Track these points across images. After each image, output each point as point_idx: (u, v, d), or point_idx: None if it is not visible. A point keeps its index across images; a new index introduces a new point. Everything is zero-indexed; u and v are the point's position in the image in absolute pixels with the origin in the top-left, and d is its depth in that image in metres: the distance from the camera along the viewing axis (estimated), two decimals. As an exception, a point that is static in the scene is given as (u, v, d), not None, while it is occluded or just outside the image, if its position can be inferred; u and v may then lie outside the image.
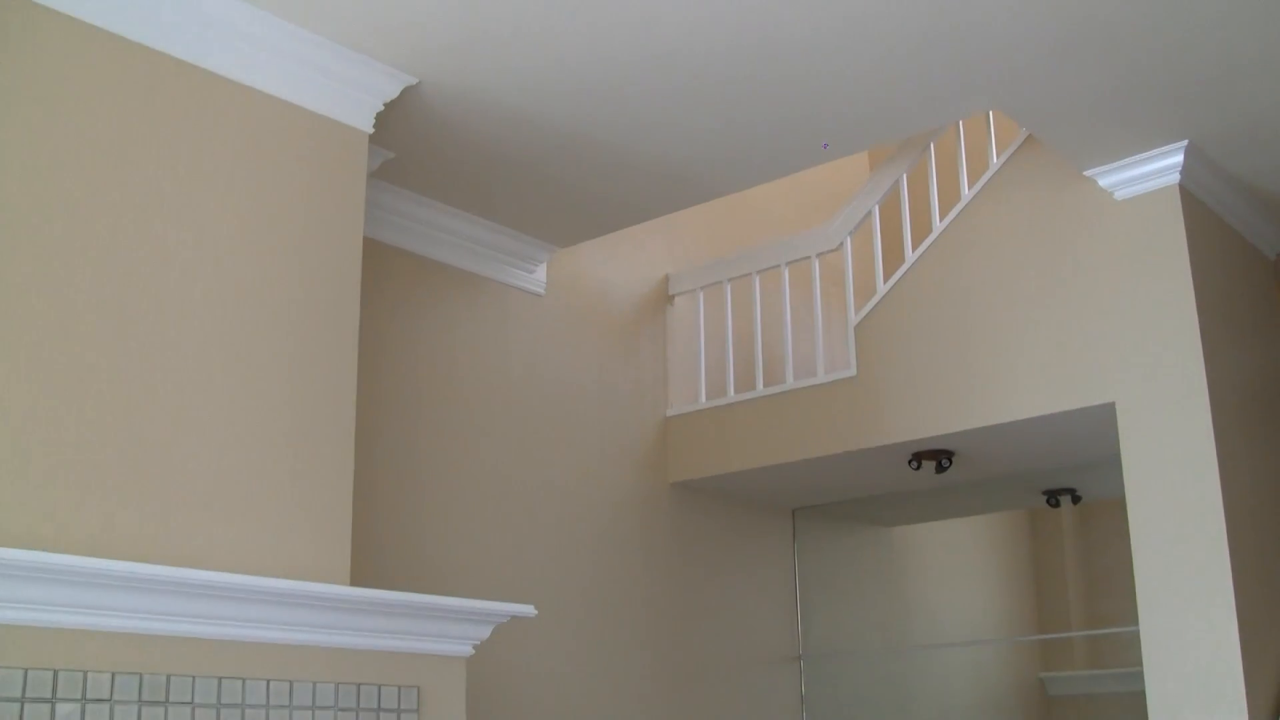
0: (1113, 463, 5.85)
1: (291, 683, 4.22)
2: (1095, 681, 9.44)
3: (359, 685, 4.41)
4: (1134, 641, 5.66)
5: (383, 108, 5.01)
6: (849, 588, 8.42)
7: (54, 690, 3.63)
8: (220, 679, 4.02)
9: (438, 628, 4.66)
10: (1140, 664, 5.53)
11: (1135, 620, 5.60)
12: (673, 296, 7.48)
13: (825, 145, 6.46)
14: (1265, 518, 5.92)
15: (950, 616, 9.19)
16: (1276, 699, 5.53)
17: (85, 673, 3.70)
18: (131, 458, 4.07)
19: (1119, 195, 5.87)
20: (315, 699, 4.27)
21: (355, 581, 4.74)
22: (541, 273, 6.69)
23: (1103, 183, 5.89)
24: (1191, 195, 5.83)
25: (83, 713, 3.67)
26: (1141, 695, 5.51)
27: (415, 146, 5.52)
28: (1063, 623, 9.82)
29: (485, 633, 4.83)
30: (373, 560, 5.40)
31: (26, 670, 3.58)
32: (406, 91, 5.04)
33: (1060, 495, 7.99)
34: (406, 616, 4.55)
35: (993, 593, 9.69)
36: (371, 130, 5.01)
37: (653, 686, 6.85)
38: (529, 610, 4.95)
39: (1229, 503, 5.43)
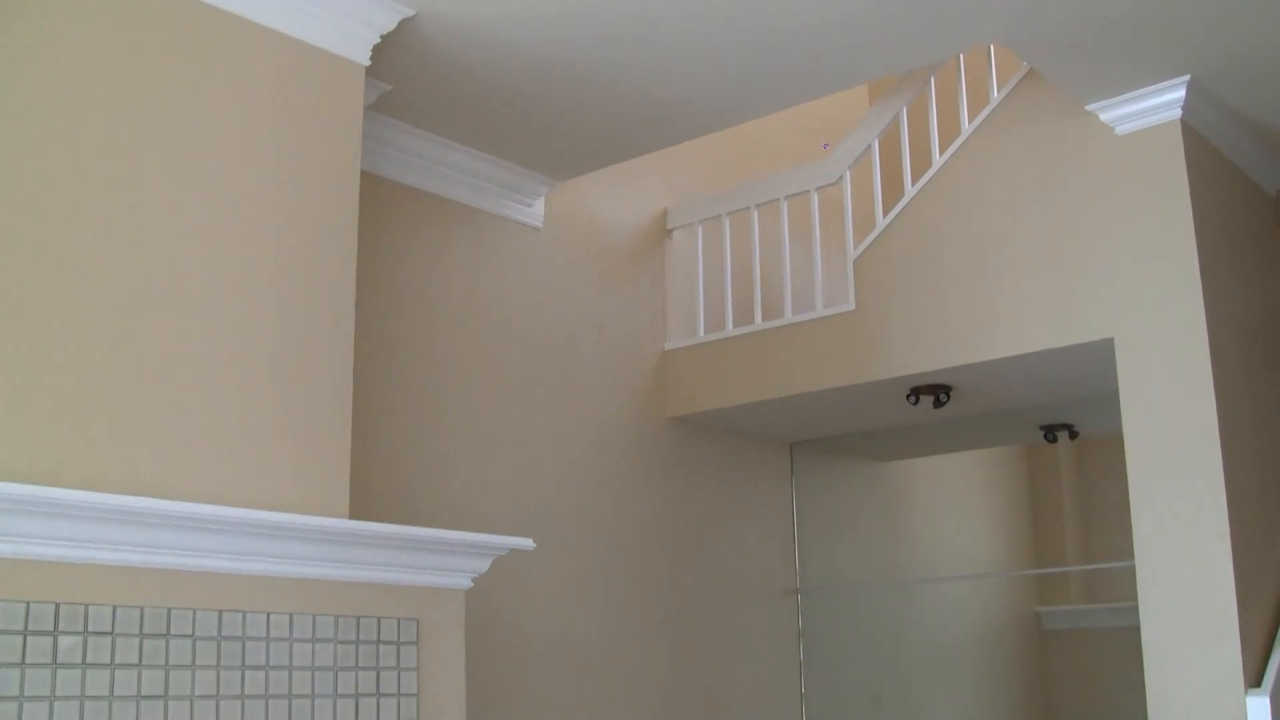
0: (1111, 398, 5.86)
1: (291, 616, 4.24)
2: (1090, 616, 9.51)
3: (358, 618, 4.43)
4: (1129, 576, 5.68)
5: (379, 40, 4.97)
6: (846, 522, 8.45)
7: (56, 624, 3.65)
8: (220, 612, 4.05)
9: (436, 560, 4.68)
10: (1135, 599, 5.56)
11: (1131, 555, 5.62)
12: (671, 230, 7.46)
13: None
14: (1262, 454, 5.94)
15: (947, 551, 9.23)
16: (1270, 634, 5.57)
17: (86, 606, 3.72)
18: (131, 393, 4.08)
19: (1120, 130, 5.84)
20: (315, 632, 4.30)
21: (354, 516, 4.76)
22: (539, 207, 6.66)
23: (1104, 117, 5.85)
24: (1193, 130, 5.80)
25: (84, 646, 3.70)
26: (1136, 630, 5.55)
27: (412, 79, 5.48)
28: (1059, 557, 9.87)
29: (484, 565, 4.85)
30: (371, 494, 5.42)
31: (28, 604, 3.59)
32: (403, 24, 5.00)
33: (1058, 430, 8.01)
34: (405, 549, 4.57)
35: (989, 527, 9.74)
36: (368, 63, 4.97)
37: (651, 620, 6.89)
38: (527, 543, 4.97)
39: (1226, 439, 5.44)
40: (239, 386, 4.38)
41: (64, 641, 3.65)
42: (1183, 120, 5.70)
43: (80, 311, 4.00)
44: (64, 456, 3.89)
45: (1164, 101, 5.69)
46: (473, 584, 4.85)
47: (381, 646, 4.50)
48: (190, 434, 4.21)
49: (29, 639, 3.59)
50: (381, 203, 5.85)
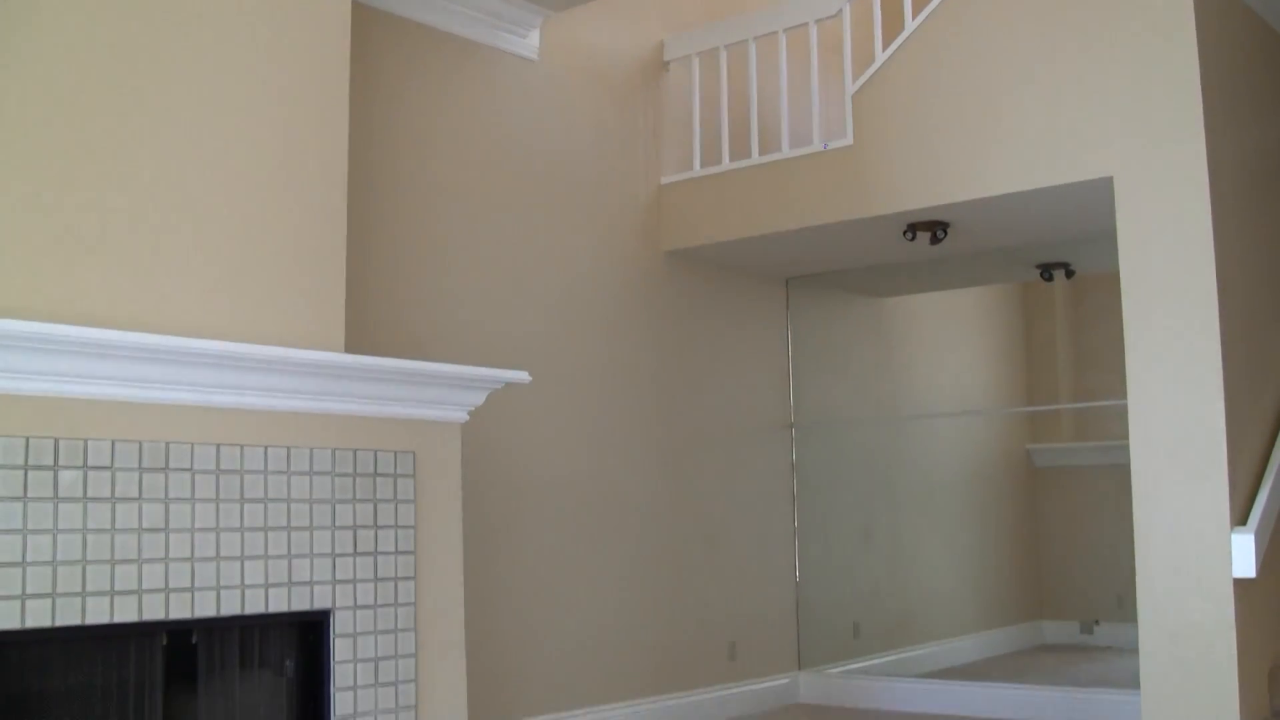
0: (1108, 237, 5.84)
1: (289, 449, 4.28)
2: (1081, 454, 9.60)
3: (355, 451, 4.48)
4: (1121, 415, 5.73)
5: None
6: (841, 357, 8.49)
7: (56, 458, 3.68)
8: (219, 446, 4.08)
9: (433, 394, 4.71)
10: (1126, 437, 5.62)
11: (1123, 394, 5.66)
12: (668, 63, 7.35)
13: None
14: (1258, 296, 5.95)
15: (941, 387, 9.28)
16: (1258, 473, 5.64)
17: (85, 441, 3.75)
18: (127, 228, 4.06)
19: (1126, -37, 5.73)
20: (313, 464, 4.34)
21: (350, 350, 4.77)
22: (534, 38, 6.55)
23: (1110, -50, 5.74)
24: (1201, -36, 5.70)
25: (85, 480, 3.73)
26: (1126, 468, 5.61)
27: (405, -95, 5.36)
28: (1051, 395, 9.94)
29: (479, 399, 4.88)
30: (367, 329, 5.42)
31: (28, 439, 3.62)
32: None
33: (1054, 269, 8.00)
34: (402, 383, 4.61)
35: (983, 365, 9.78)
36: (360, -111, 4.86)
37: (646, 453, 6.95)
38: (523, 376, 4.99)
39: (1223, 280, 5.44)
40: (234, 222, 4.36)
41: (64, 476, 3.69)
42: (1191, -46, 5.60)
43: (79, 152, 3.96)
44: (60, 292, 3.88)
45: (1172, -66, 5.58)
46: (469, 417, 4.89)
47: (379, 479, 4.55)
48: (186, 269, 4.20)
49: (30, 473, 3.62)
50: (375, 35, 5.75)
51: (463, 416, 4.85)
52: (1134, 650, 5.64)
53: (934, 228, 6.69)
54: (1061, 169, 5.88)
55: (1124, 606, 8.09)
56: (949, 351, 9.49)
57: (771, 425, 7.84)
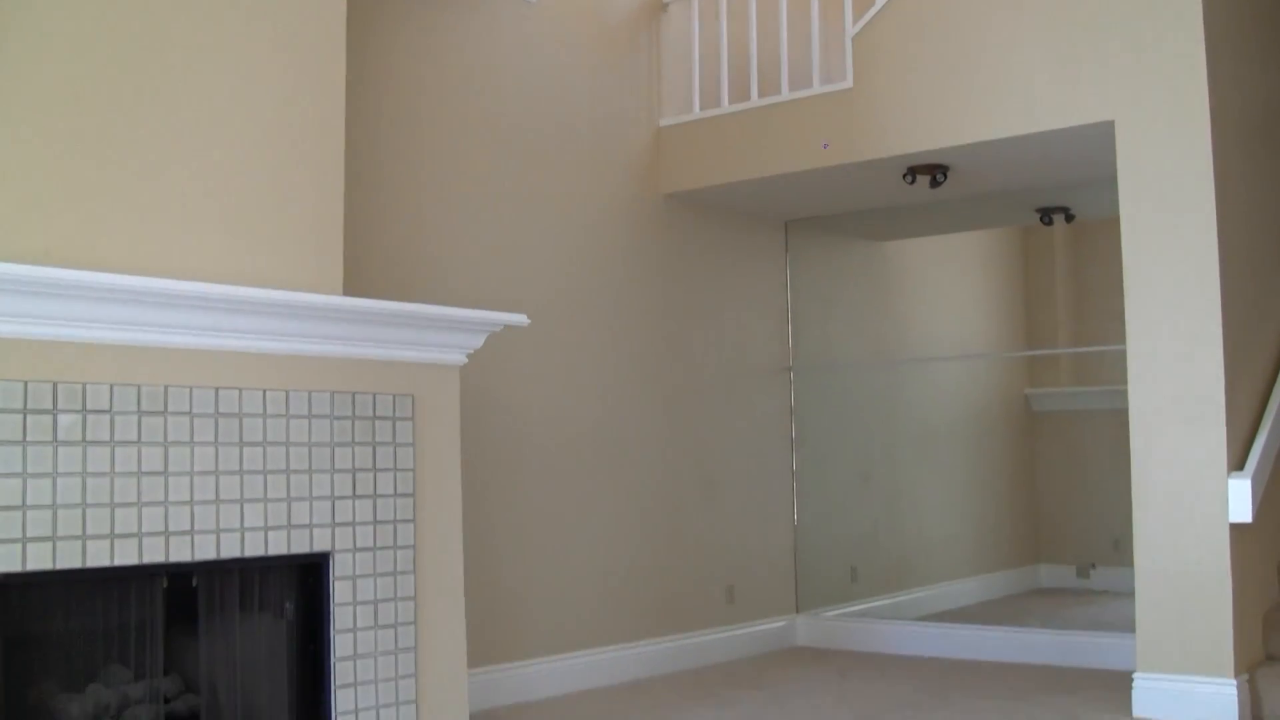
0: (1109, 182, 5.82)
1: (287, 392, 4.29)
2: (1079, 398, 9.60)
3: (354, 394, 4.49)
4: (1119, 360, 5.73)
5: None
6: (840, 301, 8.47)
7: (54, 402, 3.68)
8: (217, 389, 4.08)
9: (431, 337, 4.71)
10: (1124, 382, 5.62)
11: (1122, 339, 5.66)
12: (666, 4, 7.30)
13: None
14: (1259, 242, 5.94)
15: (939, 331, 9.27)
16: (1255, 418, 5.65)
17: (84, 385, 3.74)
18: (124, 171, 4.04)
19: (1131, -96, 5.68)
20: (311, 407, 4.35)
21: (348, 293, 4.76)
22: (534, -22, 6.51)
23: (1115, -109, 5.68)
24: (1207, -96, 5.65)
25: (84, 423, 3.73)
26: (1123, 413, 5.62)
27: None
28: (1050, 340, 9.93)
29: (478, 341, 4.88)
30: (366, 272, 5.41)
31: (26, 383, 3.62)
32: None
33: (1054, 213, 7.96)
34: (400, 326, 4.60)
35: (982, 309, 9.77)
36: None
37: (644, 396, 6.95)
38: (521, 319, 4.99)
39: (1223, 225, 5.43)
40: (233, 166, 4.34)
41: (63, 420, 3.69)
42: (1196, -106, 5.54)
43: (77, 95, 3.94)
44: (57, 236, 3.87)
45: (1177, -128, 5.52)
46: (467, 360, 4.89)
47: (377, 422, 4.56)
48: (184, 213, 4.19)
49: (28, 418, 3.62)
50: (372, -27, 5.71)
51: (461, 360, 4.85)
52: (1130, 594, 5.66)
53: (933, 171, 6.67)
54: (1062, 113, 5.85)
55: (1120, 551, 8.12)
56: (948, 295, 9.47)
57: (770, 368, 7.84)
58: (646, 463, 6.95)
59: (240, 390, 4.15)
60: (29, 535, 3.62)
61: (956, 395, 9.38)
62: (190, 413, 4.01)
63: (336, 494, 4.40)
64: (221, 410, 4.09)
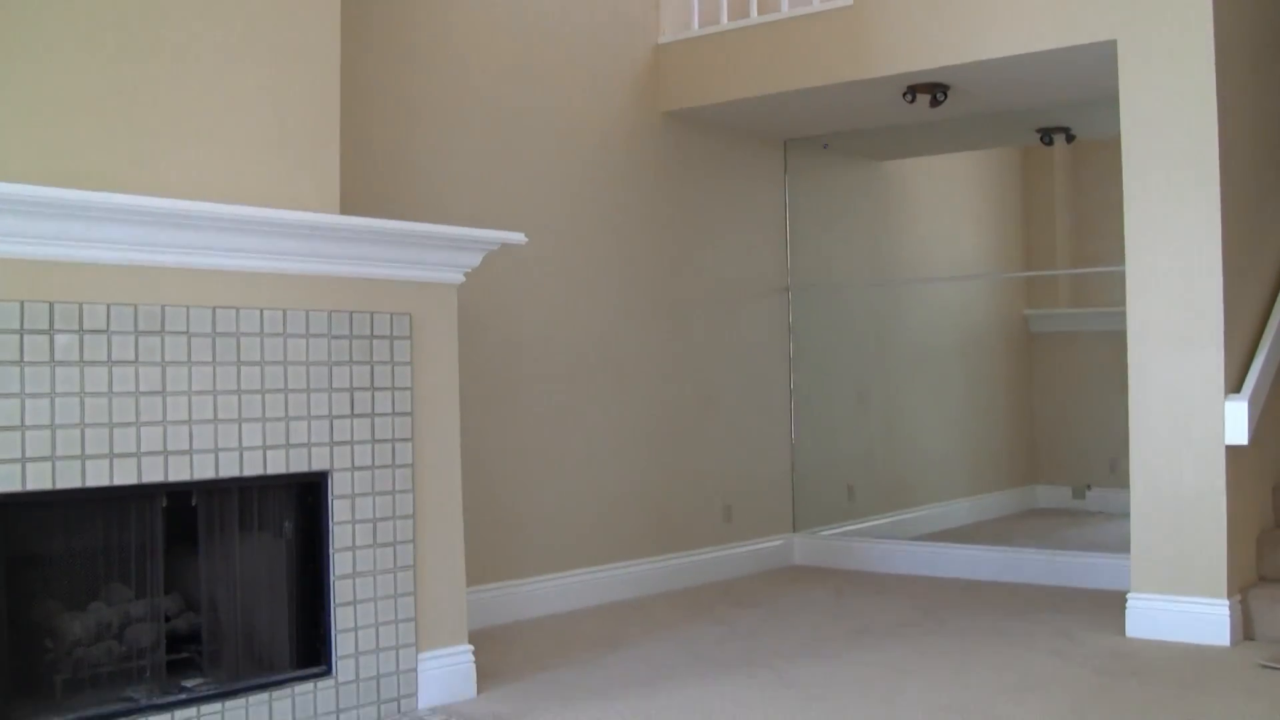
0: (1110, 102, 5.79)
1: (285, 311, 4.27)
2: (1077, 319, 9.60)
3: (351, 313, 4.47)
4: (1118, 281, 5.72)
5: None
6: (838, 220, 8.45)
7: (51, 322, 3.67)
8: (214, 309, 4.07)
9: (429, 255, 4.69)
10: (1123, 304, 5.61)
11: (1121, 260, 5.65)
12: None
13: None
14: (1260, 164, 5.91)
15: (938, 252, 9.25)
16: (1253, 341, 5.65)
17: (81, 305, 3.73)
18: (121, 92, 4.01)
19: None
20: (309, 327, 4.33)
21: (345, 212, 4.74)
22: (531, -108, 6.43)
23: None
24: None
25: (80, 344, 3.73)
26: (1121, 334, 5.62)
27: None
28: (1049, 261, 9.91)
29: (476, 260, 4.86)
30: (362, 191, 5.39)
31: (23, 303, 3.60)
32: None
33: (1054, 133, 7.93)
34: (397, 245, 4.58)
35: (981, 230, 9.74)
36: None
37: (642, 315, 6.95)
38: (519, 237, 4.97)
39: (1225, 147, 5.40)
40: (229, 85, 4.30)
41: (60, 340, 3.68)
42: None
43: (67, 12, 3.90)
44: (54, 155, 3.84)
45: None
46: (465, 279, 4.87)
47: (375, 341, 4.55)
48: (180, 131, 4.16)
49: (25, 338, 3.61)
50: (367, -113, 5.64)
51: (459, 278, 4.83)
52: (1125, 516, 5.70)
53: (934, 90, 6.63)
54: (1064, 32, 5.81)
55: (1117, 472, 8.14)
56: (947, 216, 9.44)
57: (768, 288, 7.83)
58: (644, 382, 6.96)
59: (238, 309, 4.13)
60: (28, 455, 3.62)
61: (955, 316, 9.38)
62: (188, 332, 3.99)
63: (335, 413, 4.40)
64: (219, 329, 4.08)
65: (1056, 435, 9.75)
